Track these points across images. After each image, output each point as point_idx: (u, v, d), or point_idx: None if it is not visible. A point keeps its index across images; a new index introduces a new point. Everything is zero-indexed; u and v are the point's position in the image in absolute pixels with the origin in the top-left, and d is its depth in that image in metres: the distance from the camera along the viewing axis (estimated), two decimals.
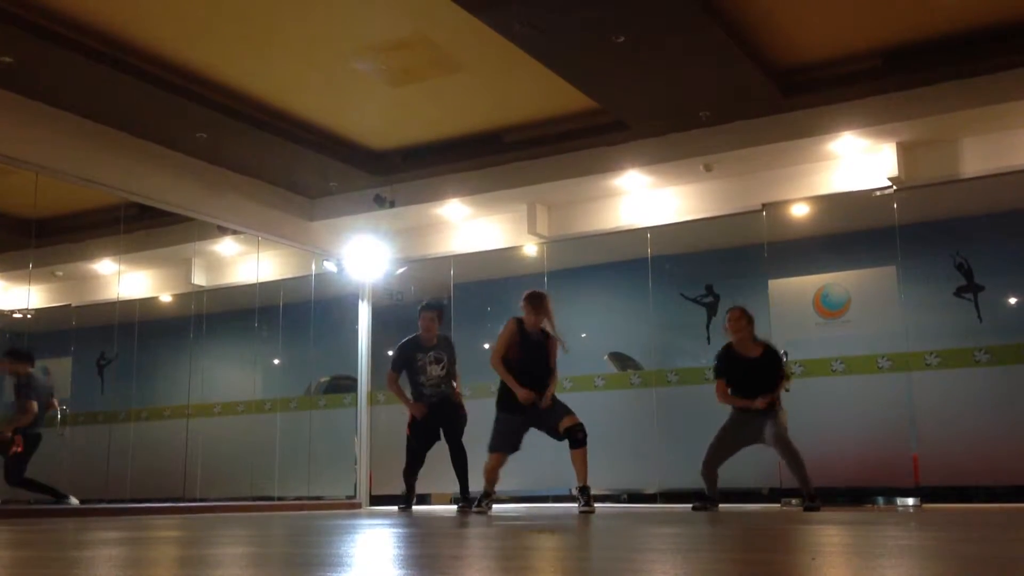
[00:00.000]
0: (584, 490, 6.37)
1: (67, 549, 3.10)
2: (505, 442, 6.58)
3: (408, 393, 7.47)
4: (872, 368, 7.72)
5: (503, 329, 6.69)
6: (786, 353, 7.88)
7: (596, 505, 6.39)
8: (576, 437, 6.41)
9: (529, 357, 6.59)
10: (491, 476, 6.64)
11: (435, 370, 7.44)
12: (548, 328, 6.65)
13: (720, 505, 6.92)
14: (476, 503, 6.77)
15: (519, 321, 6.65)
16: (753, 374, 6.85)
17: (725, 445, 6.88)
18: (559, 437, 6.53)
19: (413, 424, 7.45)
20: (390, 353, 7.77)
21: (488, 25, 6.14)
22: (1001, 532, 3.53)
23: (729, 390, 6.94)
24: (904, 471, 7.40)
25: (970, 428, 7.33)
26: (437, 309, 7.67)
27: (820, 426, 7.75)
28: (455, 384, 7.54)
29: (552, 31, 6.22)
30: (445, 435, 7.39)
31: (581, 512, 6.22)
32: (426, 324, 7.52)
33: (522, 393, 6.46)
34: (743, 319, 6.94)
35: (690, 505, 6.98)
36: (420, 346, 7.49)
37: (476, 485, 6.96)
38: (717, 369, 7.00)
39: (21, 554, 2.94)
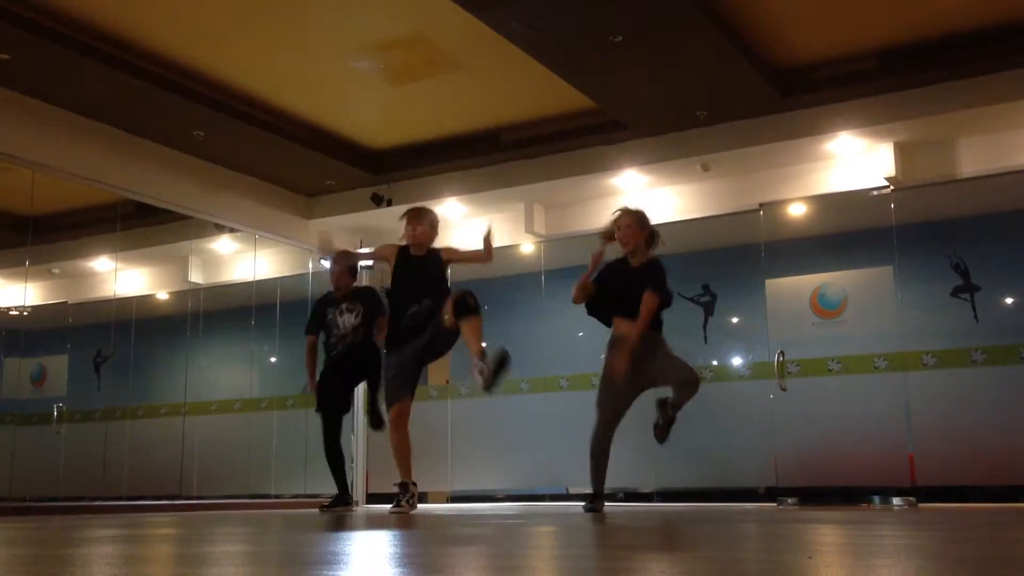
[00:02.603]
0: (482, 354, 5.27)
1: (62, 547, 3.09)
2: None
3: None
4: (868, 368, 7.73)
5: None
6: (782, 352, 7.89)
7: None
8: (467, 304, 5.33)
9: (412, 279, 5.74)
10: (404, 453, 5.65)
11: (348, 320, 6.60)
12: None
13: (716, 504, 6.81)
14: (395, 502, 5.69)
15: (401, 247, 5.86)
16: (629, 286, 5.64)
17: (614, 405, 5.76)
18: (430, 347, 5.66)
19: (318, 386, 6.70)
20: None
21: (486, 24, 6.15)
22: (997, 532, 3.53)
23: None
24: (900, 471, 7.41)
25: (966, 428, 7.34)
26: (347, 262, 6.83)
27: (816, 425, 7.76)
28: (376, 335, 6.61)
29: (550, 30, 6.22)
30: (361, 377, 6.67)
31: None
32: (334, 279, 6.79)
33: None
34: (632, 227, 5.65)
35: (687, 504, 6.96)
36: (331, 301, 6.83)
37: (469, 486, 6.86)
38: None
39: (16, 552, 2.93)
